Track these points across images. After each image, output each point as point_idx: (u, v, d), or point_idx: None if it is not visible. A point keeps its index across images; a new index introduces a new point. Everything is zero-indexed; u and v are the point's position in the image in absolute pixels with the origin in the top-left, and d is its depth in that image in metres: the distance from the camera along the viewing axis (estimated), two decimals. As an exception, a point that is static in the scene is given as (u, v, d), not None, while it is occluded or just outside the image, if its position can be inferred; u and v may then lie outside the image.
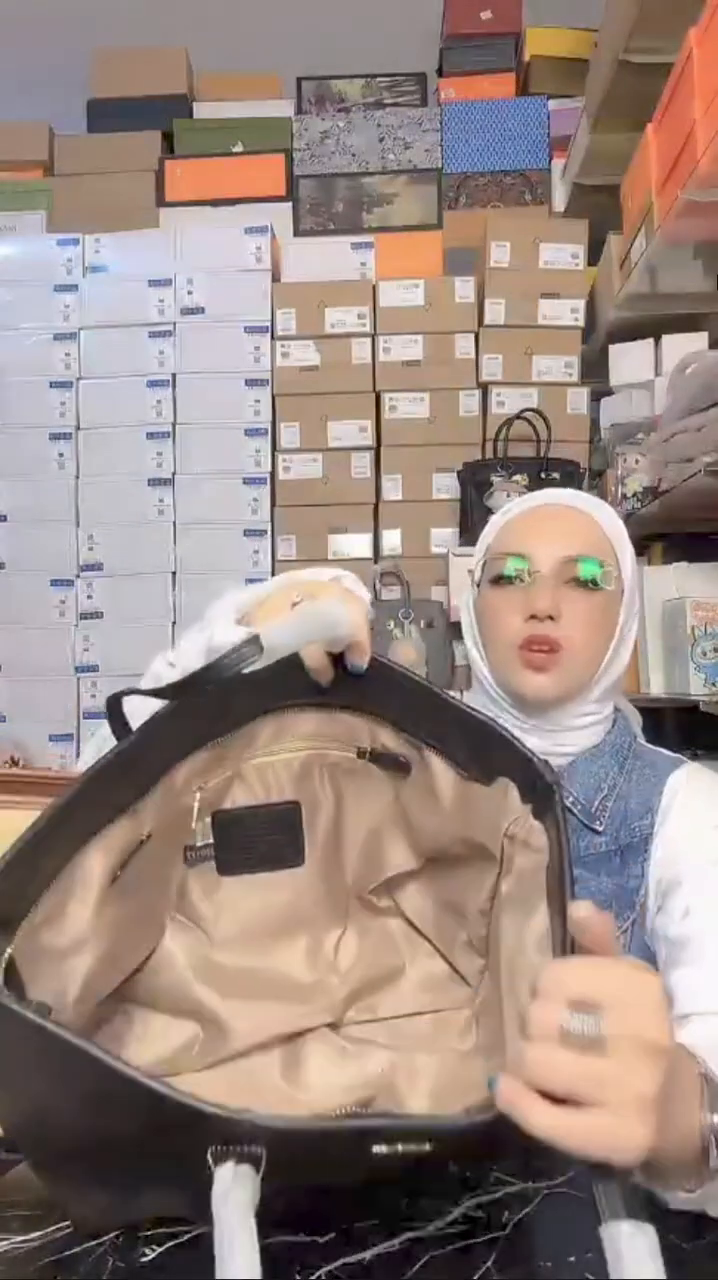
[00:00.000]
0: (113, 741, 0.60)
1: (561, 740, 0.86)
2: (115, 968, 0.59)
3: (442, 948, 0.69)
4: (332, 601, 0.63)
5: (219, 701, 0.64)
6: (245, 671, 0.59)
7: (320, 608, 0.62)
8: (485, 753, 0.63)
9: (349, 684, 0.66)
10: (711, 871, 0.77)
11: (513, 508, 0.93)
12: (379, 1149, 0.42)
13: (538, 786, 0.60)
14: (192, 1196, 0.44)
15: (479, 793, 0.64)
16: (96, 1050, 0.42)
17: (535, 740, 0.77)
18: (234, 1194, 0.40)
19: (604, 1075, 0.41)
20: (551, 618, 0.83)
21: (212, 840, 0.67)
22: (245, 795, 0.69)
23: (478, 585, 0.91)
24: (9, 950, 0.48)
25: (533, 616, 0.84)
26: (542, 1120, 0.41)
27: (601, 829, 0.83)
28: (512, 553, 0.87)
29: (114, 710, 0.60)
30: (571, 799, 0.83)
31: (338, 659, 0.65)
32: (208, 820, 0.67)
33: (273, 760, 0.69)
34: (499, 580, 0.87)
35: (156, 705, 0.61)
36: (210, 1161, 0.41)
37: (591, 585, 0.85)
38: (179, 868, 0.67)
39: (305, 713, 0.69)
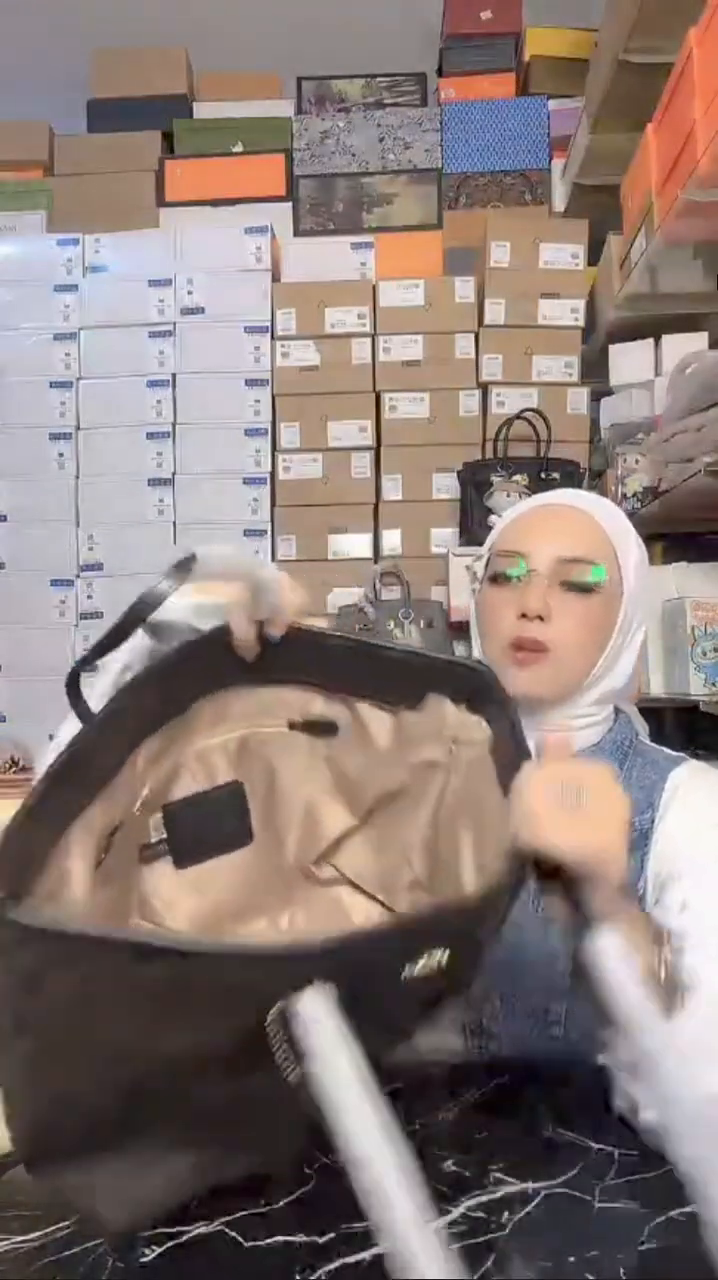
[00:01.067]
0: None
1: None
2: None
3: (383, 897, 0.70)
4: (257, 559, 0.69)
5: (163, 686, 0.66)
6: (170, 593, 0.61)
7: (252, 559, 0.68)
8: (419, 684, 0.67)
9: (277, 656, 0.67)
10: (710, 867, 0.77)
11: (519, 507, 0.93)
12: (409, 970, 0.46)
13: (471, 686, 0.65)
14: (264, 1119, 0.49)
15: (412, 718, 0.68)
16: (136, 933, 0.48)
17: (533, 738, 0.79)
18: (322, 1020, 0.42)
19: (588, 818, 0.56)
20: (540, 618, 0.83)
21: (164, 835, 0.68)
22: (190, 783, 0.70)
23: (480, 583, 0.91)
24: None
25: (523, 615, 0.84)
26: (554, 832, 0.55)
27: None
28: (511, 551, 0.87)
29: (73, 689, 0.62)
30: None
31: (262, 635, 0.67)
32: (158, 815, 0.68)
33: (211, 744, 0.70)
34: (497, 579, 0.88)
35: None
36: (279, 1015, 0.43)
37: (586, 588, 0.84)
38: (136, 866, 0.67)
39: (239, 692, 0.70)
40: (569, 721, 0.87)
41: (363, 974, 0.45)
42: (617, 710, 0.92)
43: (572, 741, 0.64)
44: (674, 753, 0.90)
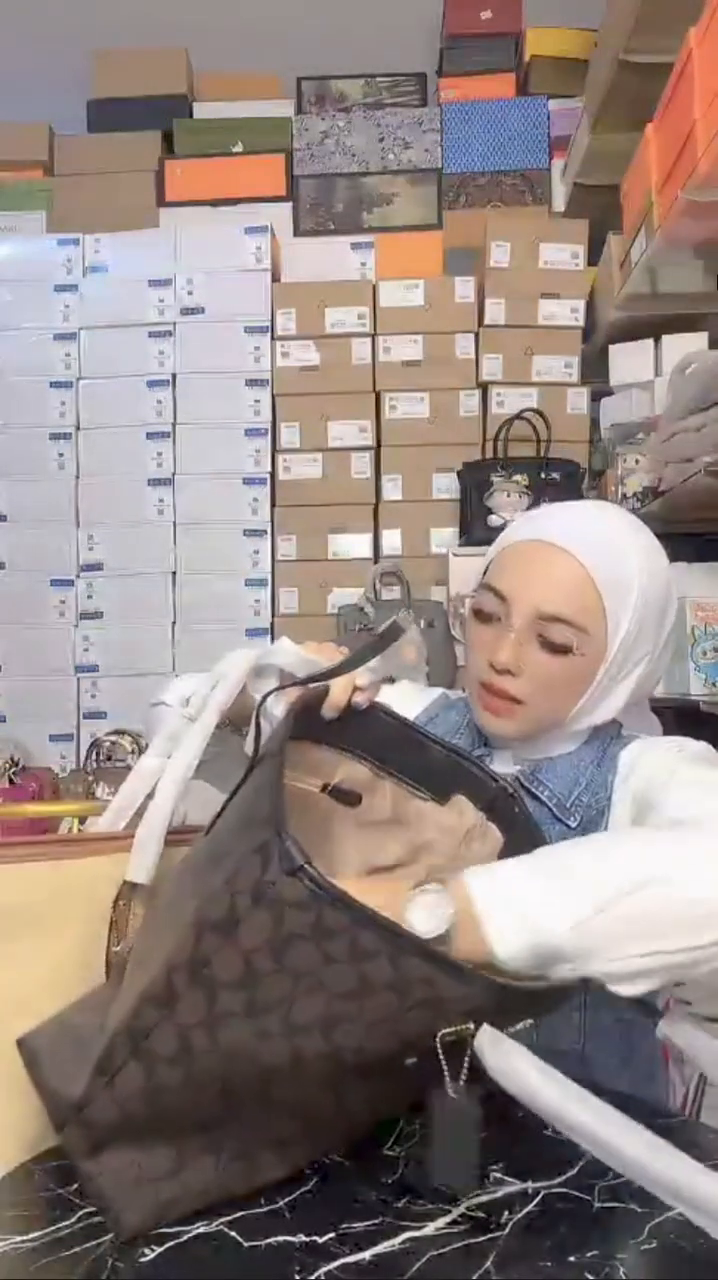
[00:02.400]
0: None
1: (537, 749, 0.88)
2: None
3: None
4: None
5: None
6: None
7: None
8: (452, 785, 0.74)
9: (343, 723, 0.73)
10: (683, 778, 0.77)
11: (521, 528, 0.88)
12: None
13: (497, 803, 0.72)
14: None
15: (431, 808, 0.74)
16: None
17: (508, 759, 0.87)
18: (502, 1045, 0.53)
19: None
20: (510, 672, 0.82)
21: None
22: None
23: (467, 611, 0.91)
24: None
25: (492, 665, 0.83)
26: None
27: (574, 824, 0.82)
28: (495, 590, 0.84)
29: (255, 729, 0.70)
30: (546, 793, 0.83)
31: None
32: None
33: None
34: (479, 614, 0.86)
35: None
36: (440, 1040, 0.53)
37: (558, 649, 0.81)
38: None
39: (301, 746, 0.74)
40: (550, 748, 0.87)
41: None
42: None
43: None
44: (635, 734, 0.89)
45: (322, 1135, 0.62)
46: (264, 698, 0.70)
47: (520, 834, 0.70)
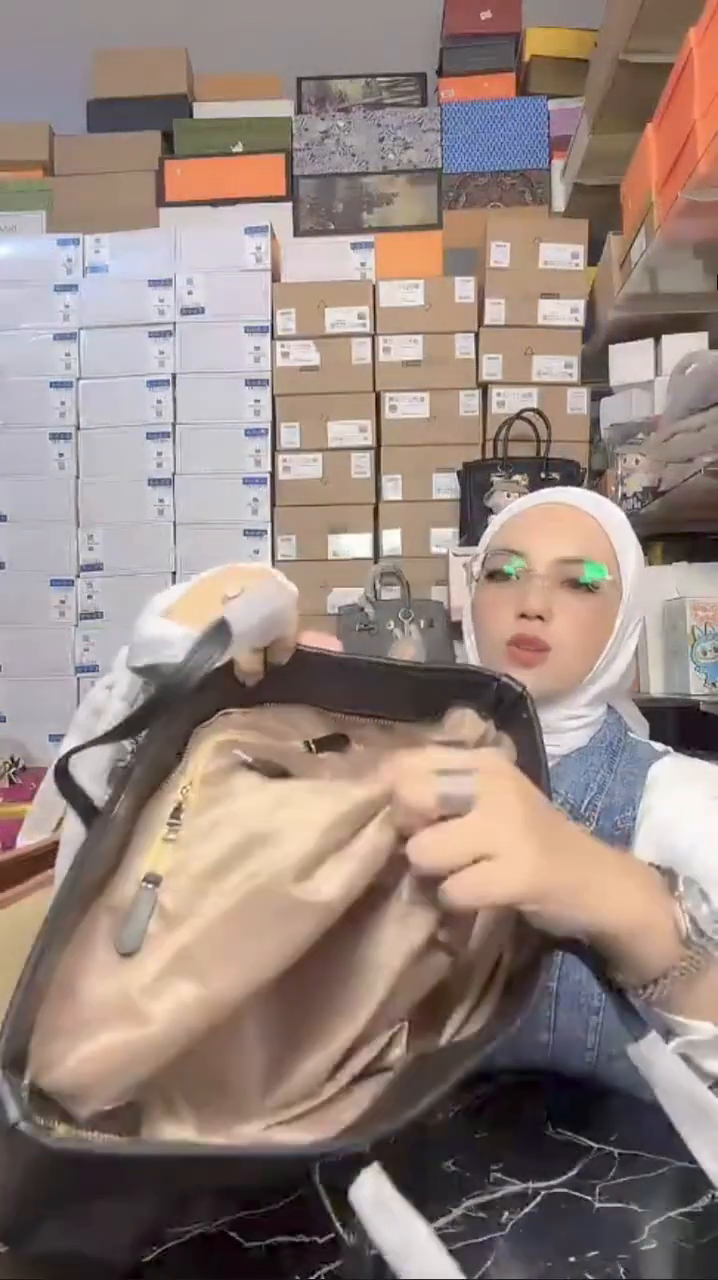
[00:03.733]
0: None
1: (548, 740, 0.84)
2: None
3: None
4: (274, 585, 0.56)
5: (167, 736, 0.54)
6: (211, 668, 0.50)
7: (272, 589, 0.56)
8: (438, 697, 0.59)
9: (279, 678, 0.58)
10: (704, 811, 0.76)
11: (517, 504, 0.91)
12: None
13: (502, 702, 0.58)
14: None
15: (429, 730, 0.60)
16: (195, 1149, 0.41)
17: None
18: (382, 1194, 0.40)
19: (481, 825, 0.45)
20: (540, 618, 0.82)
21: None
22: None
23: (476, 580, 0.90)
24: (25, 1084, 0.40)
25: (523, 615, 0.82)
26: (445, 892, 0.44)
27: (589, 829, 0.81)
28: (509, 549, 0.86)
29: (63, 775, 0.50)
30: (559, 799, 0.82)
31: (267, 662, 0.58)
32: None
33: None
34: (495, 576, 0.86)
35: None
36: (320, 1184, 0.41)
37: (585, 588, 0.83)
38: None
39: (234, 717, 0.58)
40: (562, 722, 0.85)
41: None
42: (608, 708, 0.91)
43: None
44: (661, 746, 0.89)
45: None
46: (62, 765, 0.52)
47: (527, 737, 0.57)
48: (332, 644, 0.61)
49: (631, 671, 0.90)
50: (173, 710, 0.51)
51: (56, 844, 0.56)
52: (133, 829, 0.50)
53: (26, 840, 0.63)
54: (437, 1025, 0.51)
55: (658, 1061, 0.47)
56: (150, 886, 0.45)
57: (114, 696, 0.54)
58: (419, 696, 0.60)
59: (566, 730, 0.86)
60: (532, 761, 0.55)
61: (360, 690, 0.61)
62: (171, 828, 0.48)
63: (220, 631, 0.52)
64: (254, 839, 0.44)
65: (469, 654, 0.92)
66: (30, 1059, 0.40)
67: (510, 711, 0.58)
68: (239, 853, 0.44)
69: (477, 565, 0.91)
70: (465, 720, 0.58)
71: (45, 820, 0.60)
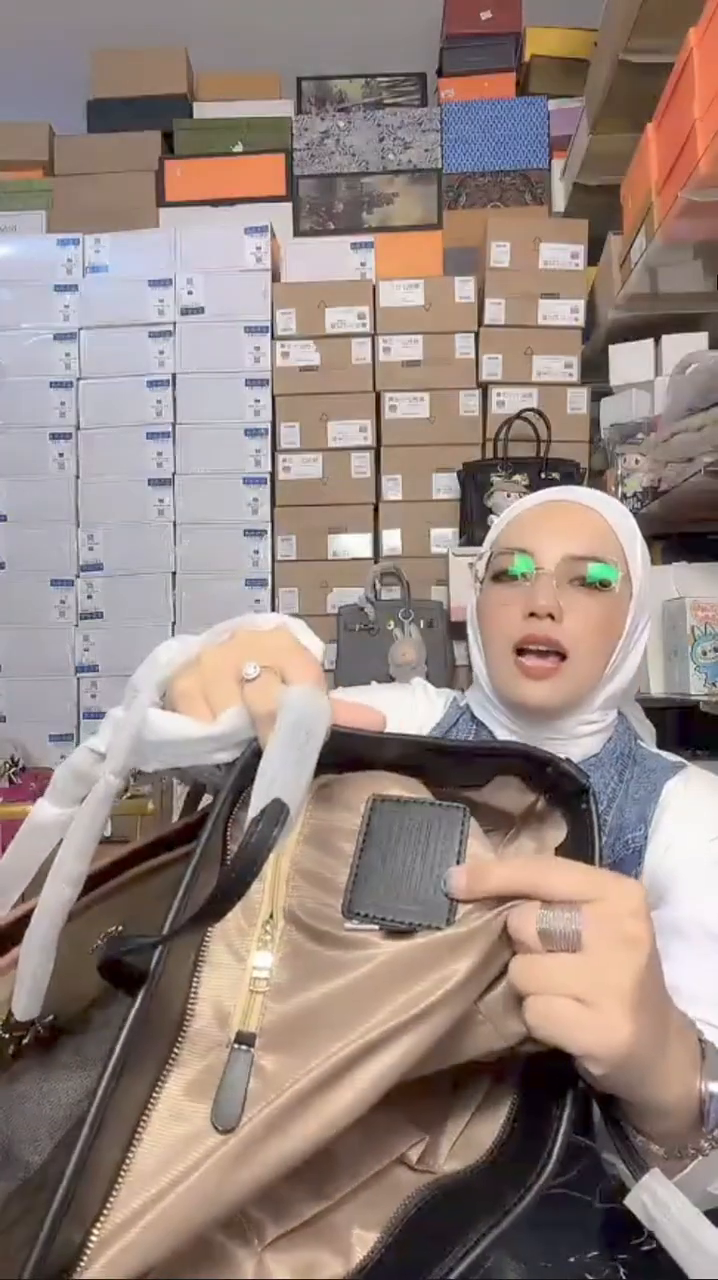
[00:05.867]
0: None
1: (558, 750, 0.80)
2: None
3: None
4: (306, 693, 0.43)
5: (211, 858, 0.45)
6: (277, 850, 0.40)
7: (301, 713, 0.42)
8: (487, 771, 0.53)
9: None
10: (708, 875, 0.75)
11: (521, 504, 0.89)
12: None
13: (557, 787, 0.51)
14: None
15: (468, 793, 0.53)
16: None
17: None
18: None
19: (583, 969, 0.40)
20: (551, 616, 0.79)
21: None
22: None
23: (481, 582, 0.87)
24: None
25: (533, 614, 0.80)
26: (528, 1010, 0.41)
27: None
28: (516, 549, 0.83)
29: (114, 969, 0.38)
30: None
31: None
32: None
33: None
34: (502, 577, 0.84)
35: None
36: None
37: (596, 586, 0.80)
38: None
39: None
40: (576, 728, 0.83)
41: None
42: (619, 715, 0.89)
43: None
44: (673, 758, 0.87)
45: None
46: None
47: (581, 828, 0.49)
48: (368, 718, 0.49)
49: (640, 673, 0.88)
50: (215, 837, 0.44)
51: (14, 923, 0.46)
52: (199, 953, 0.42)
53: None
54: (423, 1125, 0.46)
55: (671, 1202, 0.43)
56: (244, 1049, 0.39)
57: (106, 770, 0.44)
58: (464, 771, 0.52)
59: (579, 736, 0.83)
60: (582, 854, 0.47)
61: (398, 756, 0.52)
62: (255, 980, 0.41)
63: (280, 812, 0.40)
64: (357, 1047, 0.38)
65: (473, 657, 0.90)
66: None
67: (566, 797, 0.51)
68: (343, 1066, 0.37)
69: (481, 566, 0.88)
70: (510, 788, 0.52)
71: (17, 882, 0.47)
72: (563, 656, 0.80)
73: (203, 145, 2.90)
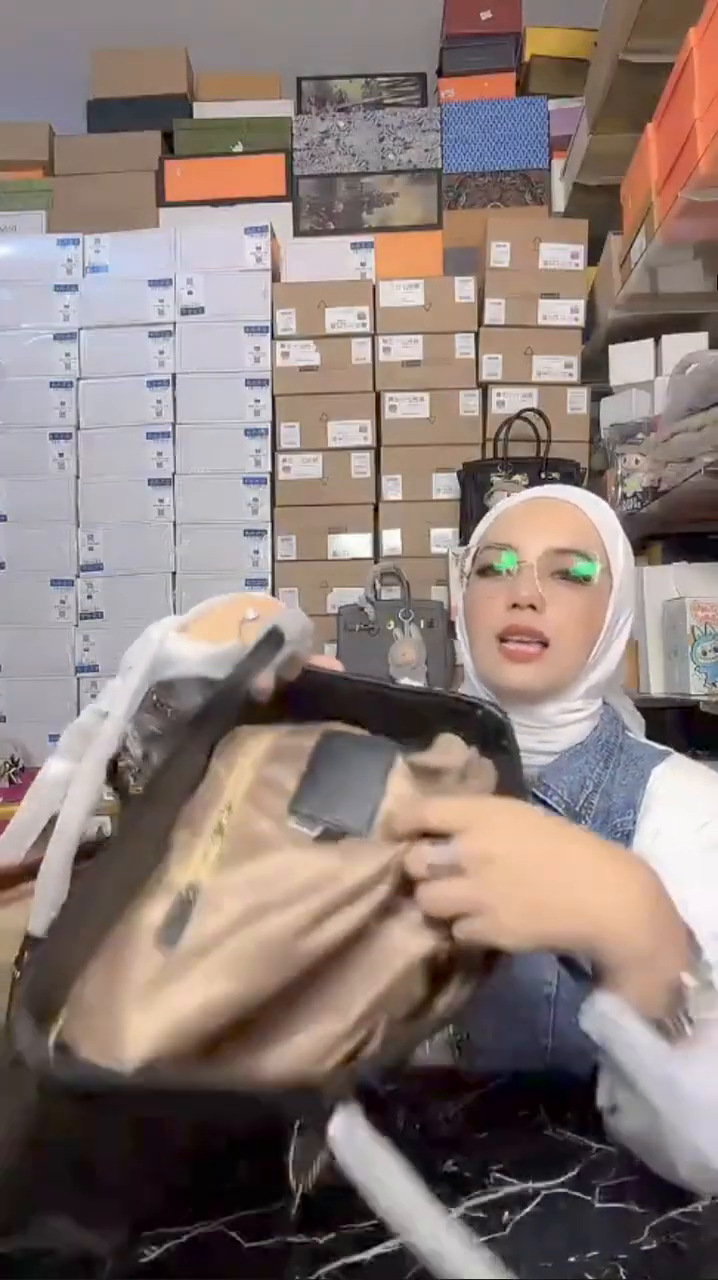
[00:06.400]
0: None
1: (544, 737, 0.85)
2: None
3: None
4: (295, 609, 0.61)
5: (195, 745, 0.57)
6: (268, 670, 0.57)
7: (295, 610, 0.61)
8: (430, 723, 0.62)
9: (288, 699, 0.61)
10: (697, 864, 0.74)
11: (506, 502, 0.92)
12: None
13: (486, 729, 0.61)
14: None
15: (419, 753, 0.62)
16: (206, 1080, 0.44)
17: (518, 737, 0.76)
18: (359, 1138, 0.44)
19: (464, 889, 0.51)
20: (533, 607, 0.82)
21: None
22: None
23: (468, 578, 0.90)
24: (54, 1034, 0.43)
25: (516, 605, 0.83)
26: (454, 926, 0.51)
27: (586, 827, 0.80)
28: (500, 544, 0.86)
29: (112, 776, 0.55)
30: (555, 798, 0.82)
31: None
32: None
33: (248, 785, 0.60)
34: (487, 571, 0.87)
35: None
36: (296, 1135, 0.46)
37: (578, 579, 0.84)
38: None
39: (254, 732, 0.61)
40: (558, 716, 0.85)
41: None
42: (603, 704, 0.90)
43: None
44: (660, 747, 0.88)
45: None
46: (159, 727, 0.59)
47: (509, 765, 0.62)
48: (334, 665, 0.65)
49: (624, 665, 0.90)
50: (210, 719, 0.57)
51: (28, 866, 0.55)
52: (169, 834, 0.53)
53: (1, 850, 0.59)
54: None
55: (622, 1021, 0.51)
56: (191, 898, 0.49)
57: (113, 718, 0.54)
58: (409, 720, 0.62)
59: (562, 725, 0.85)
60: (513, 789, 0.60)
61: (359, 712, 0.63)
62: (213, 842, 0.53)
63: (274, 637, 0.58)
64: (270, 907, 0.48)
65: (461, 652, 0.92)
66: (61, 1019, 0.44)
67: (493, 739, 0.62)
68: (258, 912, 0.47)
69: (468, 562, 0.91)
70: (453, 746, 0.61)
71: (28, 833, 0.57)
72: (546, 645, 0.83)
73: (203, 145, 2.90)
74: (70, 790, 0.52)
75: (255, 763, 0.57)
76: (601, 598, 0.85)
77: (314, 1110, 0.45)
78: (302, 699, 0.62)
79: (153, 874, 0.51)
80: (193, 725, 0.55)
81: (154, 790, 0.53)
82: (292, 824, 0.53)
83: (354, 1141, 0.44)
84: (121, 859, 0.50)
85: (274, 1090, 0.47)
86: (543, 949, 0.53)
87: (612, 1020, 0.52)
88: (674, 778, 0.83)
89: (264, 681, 0.58)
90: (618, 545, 0.87)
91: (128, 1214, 0.54)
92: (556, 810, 0.81)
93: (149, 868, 0.51)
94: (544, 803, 0.81)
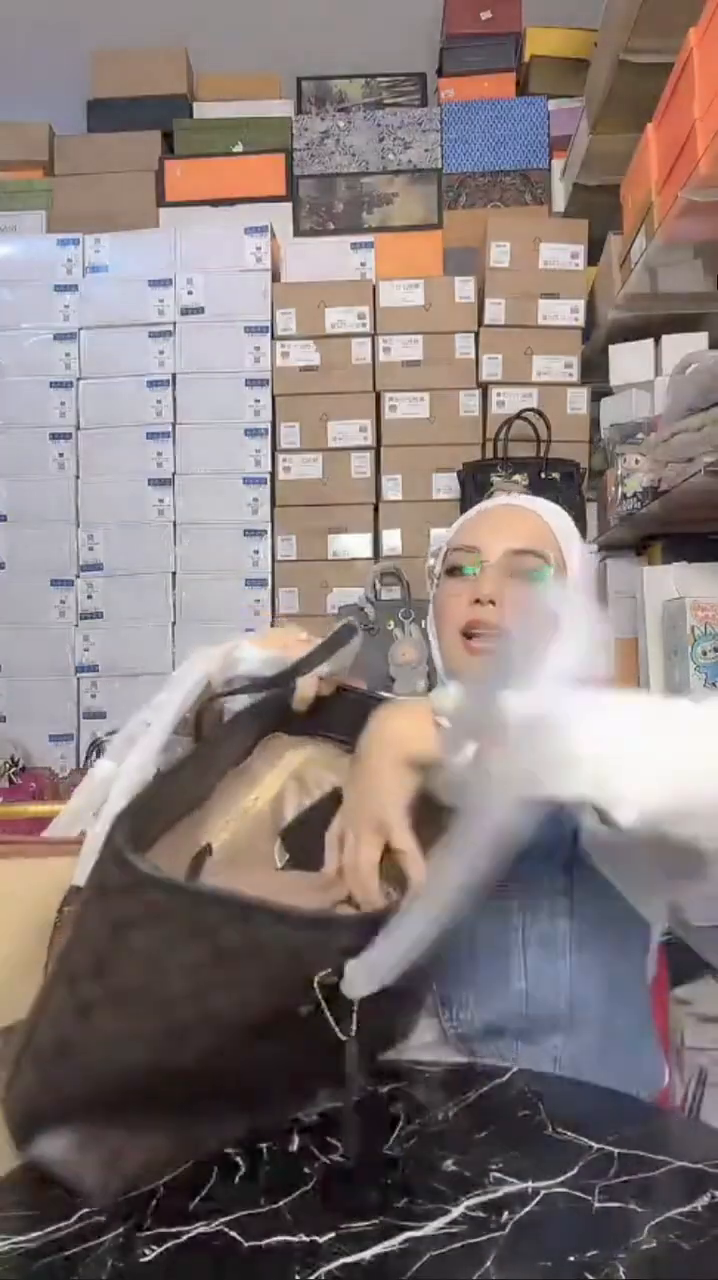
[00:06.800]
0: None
1: None
2: None
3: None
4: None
5: (248, 731, 0.75)
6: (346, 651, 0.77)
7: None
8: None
9: (322, 711, 0.79)
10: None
11: (473, 510, 1.03)
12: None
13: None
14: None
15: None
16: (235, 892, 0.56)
17: None
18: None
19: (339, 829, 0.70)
20: (492, 602, 0.90)
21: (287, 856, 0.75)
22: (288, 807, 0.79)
23: (438, 578, 0.99)
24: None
25: (478, 601, 0.91)
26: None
27: None
28: (465, 546, 0.95)
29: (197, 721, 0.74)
30: None
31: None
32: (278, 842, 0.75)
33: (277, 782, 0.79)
34: (453, 571, 0.96)
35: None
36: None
37: (532, 576, 0.92)
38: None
39: (286, 739, 0.80)
40: None
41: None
42: None
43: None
44: None
45: (250, 1102, 0.65)
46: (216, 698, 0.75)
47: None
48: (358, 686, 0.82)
49: (593, 660, 0.93)
50: (263, 713, 0.73)
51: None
52: (209, 793, 0.69)
53: (52, 833, 0.77)
54: None
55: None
56: (204, 856, 0.66)
57: (157, 727, 0.71)
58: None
59: None
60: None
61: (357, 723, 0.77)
62: (236, 818, 0.70)
63: (348, 631, 0.77)
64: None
65: (432, 645, 1.01)
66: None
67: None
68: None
69: (437, 562, 1.00)
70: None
71: (80, 816, 0.74)
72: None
73: (203, 145, 2.90)
74: (113, 787, 0.68)
75: (286, 773, 0.72)
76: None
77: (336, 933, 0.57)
78: (333, 712, 0.78)
79: (198, 808, 0.68)
80: (251, 712, 0.73)
81: (214, 744, 0.69)
82: (276, 849, 0.69)
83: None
84: (185, 776, 0.66)
85: (303, 914, 0.57)
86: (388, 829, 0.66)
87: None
88: None
89: (307, 691, 0.73)
90: (573, 548, 0.96)
91: (122, 1161, 0.59)
92: None
93: (199, 799, 0.68)
94: None
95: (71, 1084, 0.58)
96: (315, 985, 0.55)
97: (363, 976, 0.56)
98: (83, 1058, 0.57)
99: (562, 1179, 0.60)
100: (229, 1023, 0.57)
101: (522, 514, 0.97)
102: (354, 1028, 0.57)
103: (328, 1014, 0.56)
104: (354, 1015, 0.56)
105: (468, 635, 0.92)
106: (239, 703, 0.76)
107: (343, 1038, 0.56)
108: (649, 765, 0.61)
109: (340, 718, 0.79)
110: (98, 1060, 0.57)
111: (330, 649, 0.75)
